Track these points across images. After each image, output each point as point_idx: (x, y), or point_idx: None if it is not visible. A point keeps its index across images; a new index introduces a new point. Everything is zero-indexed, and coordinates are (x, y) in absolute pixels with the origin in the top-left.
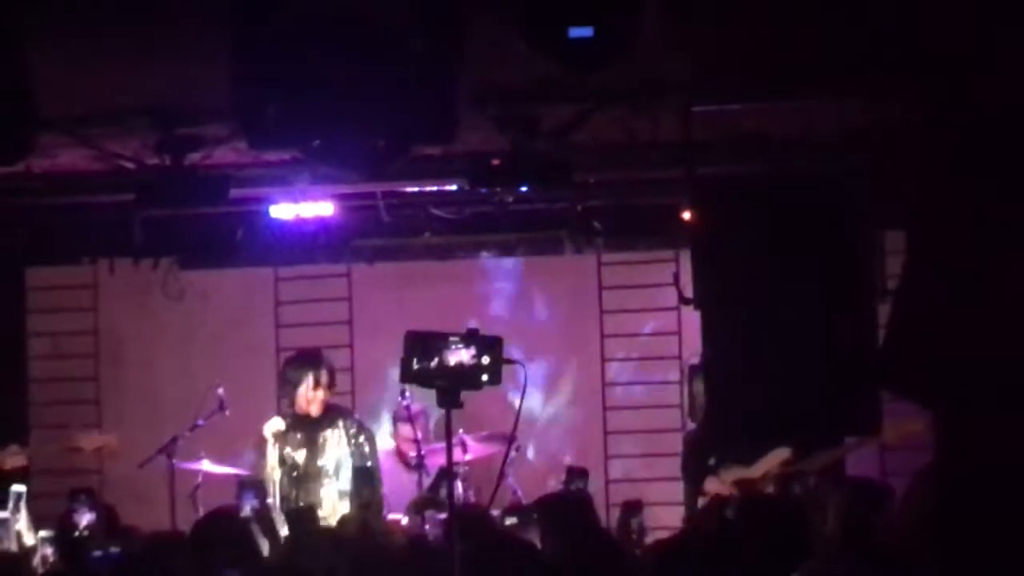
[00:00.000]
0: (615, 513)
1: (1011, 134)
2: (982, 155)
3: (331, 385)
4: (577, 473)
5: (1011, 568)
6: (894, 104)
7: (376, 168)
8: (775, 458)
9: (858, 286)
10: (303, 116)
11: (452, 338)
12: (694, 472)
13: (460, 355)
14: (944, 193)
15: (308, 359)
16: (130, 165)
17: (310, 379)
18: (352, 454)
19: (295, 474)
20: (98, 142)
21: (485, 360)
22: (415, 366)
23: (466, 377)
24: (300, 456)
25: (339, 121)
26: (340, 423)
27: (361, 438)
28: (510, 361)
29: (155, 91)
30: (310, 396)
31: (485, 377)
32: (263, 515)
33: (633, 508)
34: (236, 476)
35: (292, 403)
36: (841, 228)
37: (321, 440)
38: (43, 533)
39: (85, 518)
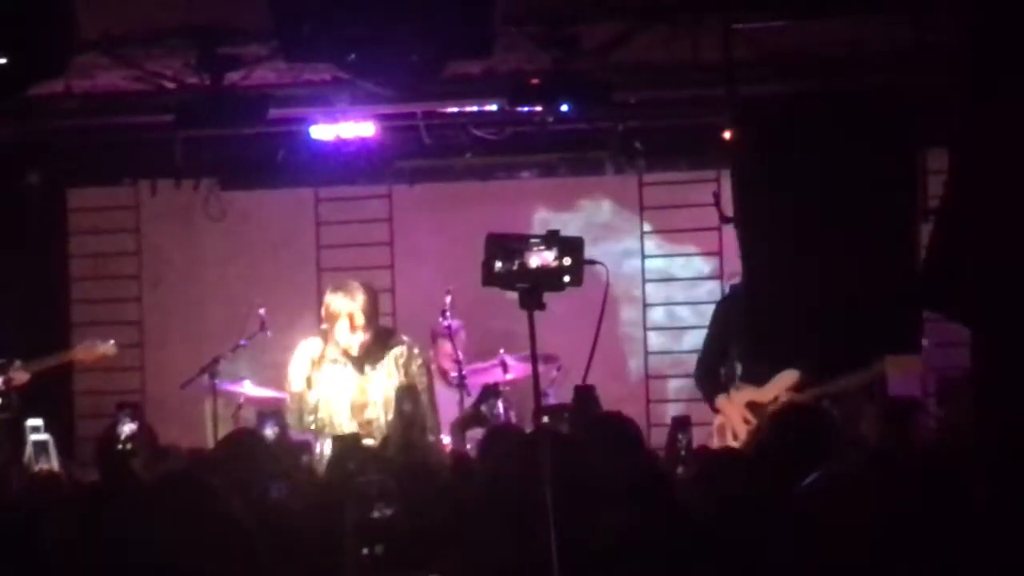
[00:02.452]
0: (655, 433)
1: None
2: None
3: (372, 319)
4: (681, 424)
5: None
6: (941, 21)
7: (412, 83)
8: (784, 381)
9: (901, 206)
10: (339, 30)
11: (533, 240)
12: (707, 389)
13: (542, 256)
14: (989, 114)
15: (343, 299)
16: (170, 85)
17: (346, 321)
18: (404, 376)
19: (342, 402)
20: (138, 62)
21: (567, 261)
22: (496, 269)
23: (548, 279)
24: (349, 384)
25: (374, 35)
26: (390, 353)
27: (413, 366)
28: (592, 262)
29: (194, 10)
30: (348, 336)
31: (567, 278)
32: (283, 442)
33: (682, 424)
34: (277, 398)
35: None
36: (884, 148)
37: (369, 371)
38: None
39: (127, 428)
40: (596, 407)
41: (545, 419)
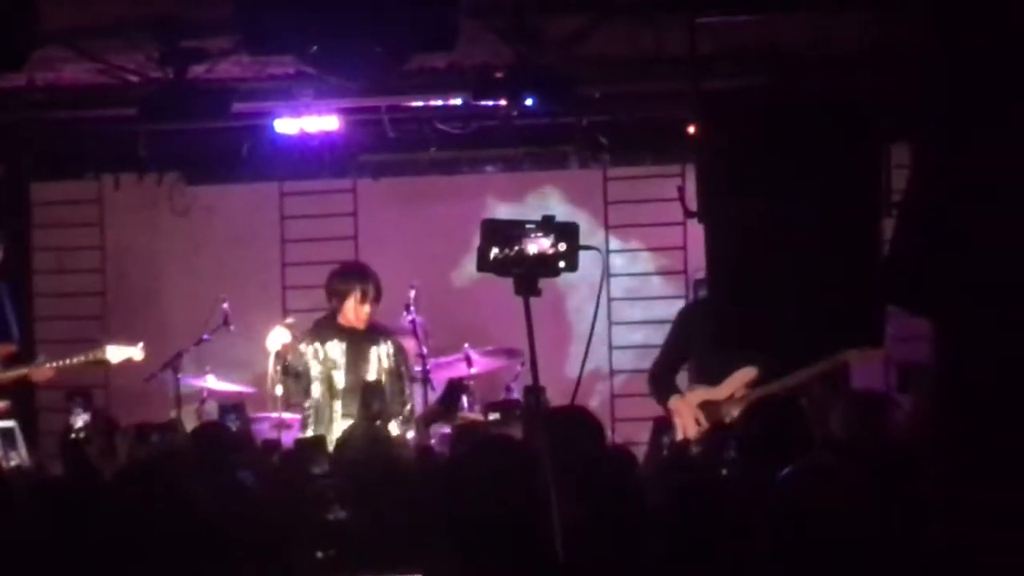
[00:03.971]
0: (620, 428)
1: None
2: (990, 72)
3: (377, 299)
4: (662, 426)
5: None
6: (905, 16)
7: (375, 77)
8: (741, 378)
9: (864, 200)
10: (301, 22)
11: (529, 225)
12: (660, 390)
13: (539, 242)
14: (952, 109)
15: (355, 272)
16: (134, 79)
17: (357, 292)
18: (391, 371)
19: (333, 387)
20: (102, 56)
21: (562, 247)
22: (492, 255)
23: (545, 264)
24: (341, 369)
25: (337, 28)
26: (383, 341)
27: (400, 356)
28: (587, 247)
29: (158, 3)
30: (357, 310)
31: (562, 264)
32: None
33: (664, 426)
34: (240, 392)
35: (335, 315)
36: (848, 142)
37: (368, 355)
38: None
39: (80, 419)
40: (545, 406)
41: (496, 415)
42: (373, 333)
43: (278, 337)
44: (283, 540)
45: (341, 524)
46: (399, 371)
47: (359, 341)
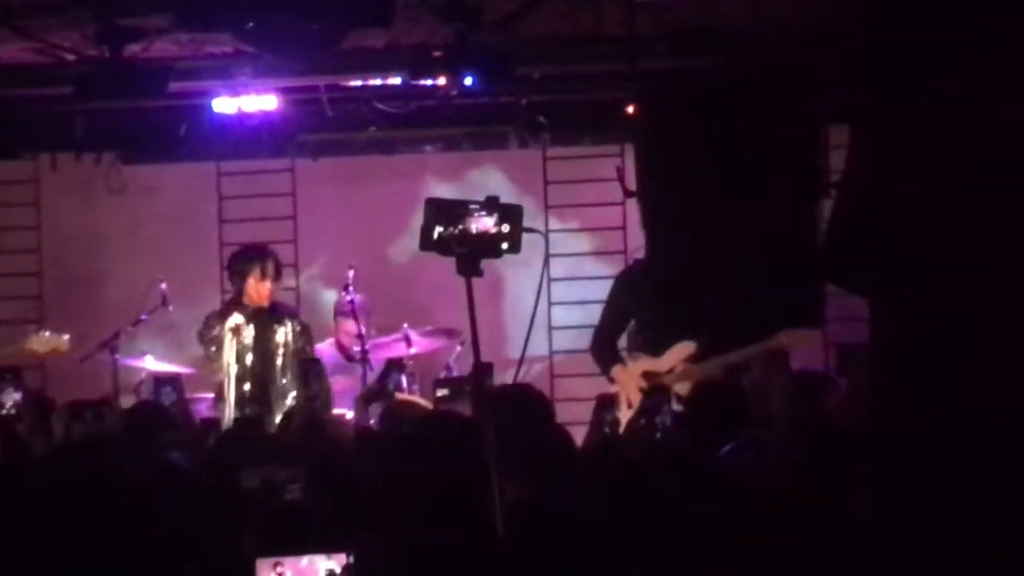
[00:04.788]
0: (561, 408)
1: (958, 34)
2: (928, 49)
3: (277, 277)
4: (605, 402)
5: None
6: None
7: (311, 55)
8: (680, 352)
9: (802, 180)
10: None
11: (472, 206)
12: (603, 359)
13: (482, 222)
14: (890, 88)
15: (254, 251)
16: (70, 57)
17: (257, 271)
18: (295, 352)
19: (248, 369)
20: (37, 34)
21: (506, 228)
22: (435, 234)
23: (488, 245)
24: (254, 351)
25: (273, 4)
26: (287, 321)
27: (304, 338)
28: (530, 230)
29: None
30: (258, 288)
31: (505, 245)
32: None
33: (606, 403)
34: (178, 373)
35: (240, 296)
36: (786, 123)
37: (272, 335)
38: None
39: (11, 398)
40: (490, 384)
41: (445, 392)
42: (278, 313)
43: (234, 319)
44: (214, 522)
45: (280, 505)
46: (304, 352)
47: (264, 321)
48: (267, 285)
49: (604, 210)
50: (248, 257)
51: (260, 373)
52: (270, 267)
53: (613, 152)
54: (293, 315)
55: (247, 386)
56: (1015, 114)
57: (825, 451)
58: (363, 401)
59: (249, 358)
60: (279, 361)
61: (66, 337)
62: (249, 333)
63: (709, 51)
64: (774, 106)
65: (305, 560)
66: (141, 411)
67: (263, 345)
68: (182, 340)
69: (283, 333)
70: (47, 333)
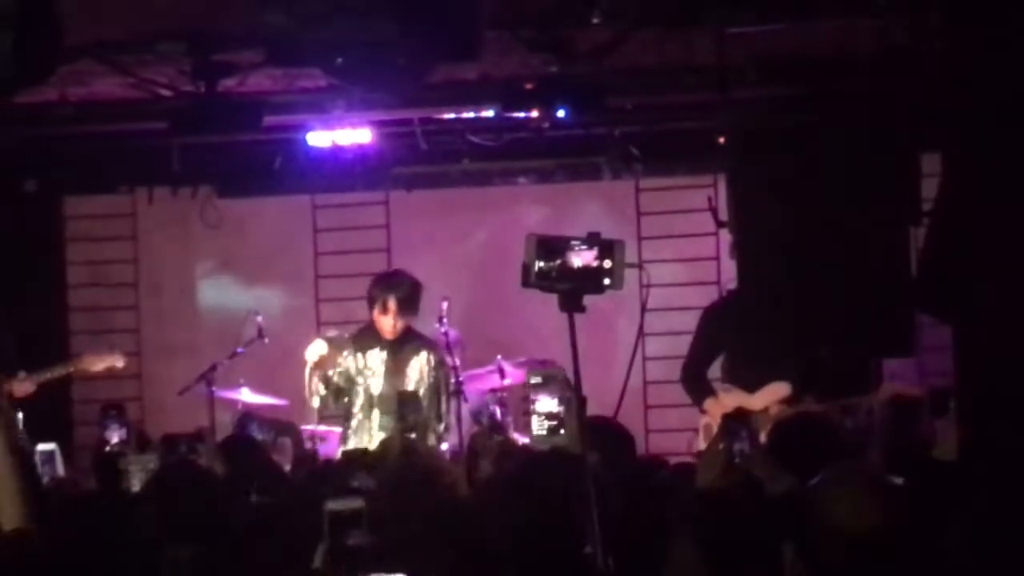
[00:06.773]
0: (653, 439)
1: None
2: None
3: (401, 311)
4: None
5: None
6: (932, 21)
7: (400, 88)
8: (775, 392)
9: (895, 209)
10: (326, 33)
11: (574, 241)
12: (695, 391)
13: (584, 257)
14: (981, 117)
15: (381, 282)
16: (165, 92)
17: (379, 304)
18: (431, 386)
19: (369, 396)
20: (132, 69)
21: (607, 264)
22: (537, 270)
23: (589, 280)
24: (379, 377)
25: (361, 40)
26: (424, 353)
27: (441, 371)
28: (632, 265)
29: (188, 15)
30: (379, 320)
31: (607, 281)
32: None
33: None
34: (274, 405)
35: (375, 323)
36: (878, 151)
37: (407, 365)
38: None
39: (116, 434)
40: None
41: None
42: (414, 343)
43: (316, 349)
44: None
45: (361, 548)
46: (437, 386)
47: (399, 351)
48: (388, 320)
49: (697, 240)
50: (373, 287)
51: (384, 399)
52: (392, 302)
53: (705, 183)
54: (432, 347)
55: (376, 416)
56: None
57: (923, 484)
58: (482, 437)
59: (378, 386)
60: (411, 391)
61: (118, 353)
62: (380, 361)
63: (800, 79)
64: (866, 134)
65: None
66: (233, 445)
67: (394, 375)
68: (278, 372)
69: (419, 364)
70: (104, 352)
